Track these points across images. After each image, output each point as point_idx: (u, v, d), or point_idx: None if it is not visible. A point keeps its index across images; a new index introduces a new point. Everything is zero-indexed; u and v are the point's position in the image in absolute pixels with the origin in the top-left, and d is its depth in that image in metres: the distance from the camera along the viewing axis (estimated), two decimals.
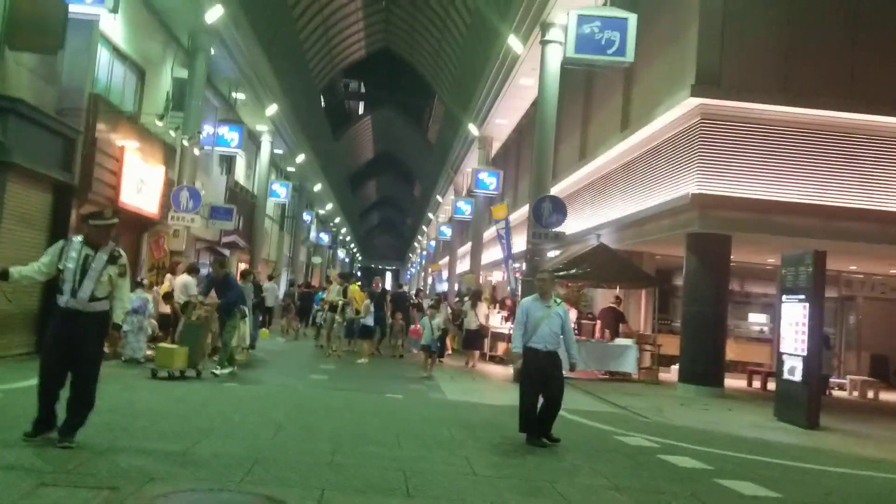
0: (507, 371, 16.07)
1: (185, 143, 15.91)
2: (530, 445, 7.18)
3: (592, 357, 15.38)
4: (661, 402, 11.98)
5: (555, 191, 17.04)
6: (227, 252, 25.19)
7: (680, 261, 17.55)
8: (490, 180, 23.85)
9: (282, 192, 29.93)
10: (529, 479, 5.86)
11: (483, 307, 18.06)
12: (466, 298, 18.73)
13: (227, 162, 24.14)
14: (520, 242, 18.86)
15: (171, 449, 5.63)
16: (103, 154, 12.98)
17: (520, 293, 16.80)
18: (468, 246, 32.36)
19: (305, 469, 5.42)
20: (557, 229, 14.26)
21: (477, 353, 17.15)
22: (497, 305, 20.36)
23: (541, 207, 14.11)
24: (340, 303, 15.76)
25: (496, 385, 13.99)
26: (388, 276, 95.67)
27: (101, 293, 5.50)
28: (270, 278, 25.66)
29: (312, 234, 45.26)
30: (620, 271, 16.16)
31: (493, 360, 18.54)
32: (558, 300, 7.69)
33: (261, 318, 22.40)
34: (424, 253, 55.74)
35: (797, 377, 10.84)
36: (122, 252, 5.72)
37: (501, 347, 18.84)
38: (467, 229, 35.21)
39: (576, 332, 17.12)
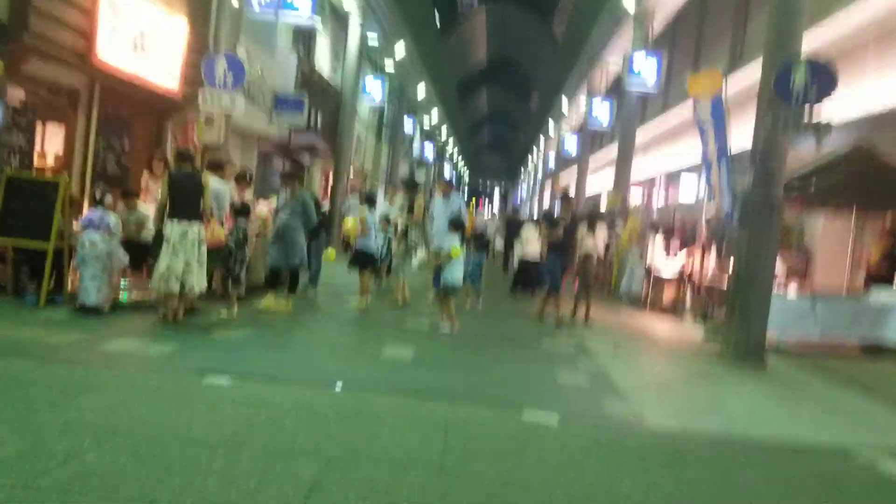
0: (673, 329, 10.52)
1: None
2: None
3: (836, 318, 9.79)
4: None
5: (751, 81, 10.08)
6: (306, 159, 20.32)
7: None
8: (647, 66, 17.22)
9: (376, 89, 24.31)
10: None
11: (602, 232, 12.79)
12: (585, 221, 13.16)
13: (304, 42, 18.90)
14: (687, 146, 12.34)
15: None
16: None
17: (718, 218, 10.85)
18: (605, 156, 26.15)
19: None
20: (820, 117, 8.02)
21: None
22: (659, 234, 14.50)
23: (788, 76, 7.97)
24: (400, 225, 10.25)
25: (690, 366, 8.33)
26: (496, 194, 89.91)
27: None
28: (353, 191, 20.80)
29: (416, 146, 39.67)
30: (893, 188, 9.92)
31: (655, 307, 13.44)
32: None
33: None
34: (540, 170, 49.58)
35: None
36: None
37: (668, 294, 13.45)
38: (600, 139, 28.91)
39: (780, 279, 11.23)
